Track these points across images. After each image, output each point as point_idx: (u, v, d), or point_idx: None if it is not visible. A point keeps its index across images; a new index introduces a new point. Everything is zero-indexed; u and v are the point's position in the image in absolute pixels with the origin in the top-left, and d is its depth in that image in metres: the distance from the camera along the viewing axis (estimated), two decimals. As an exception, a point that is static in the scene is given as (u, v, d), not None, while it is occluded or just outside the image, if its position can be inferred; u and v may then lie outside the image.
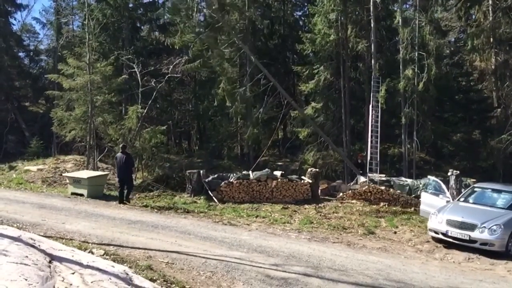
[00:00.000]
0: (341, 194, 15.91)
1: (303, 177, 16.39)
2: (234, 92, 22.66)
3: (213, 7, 18.44)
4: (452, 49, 26.11)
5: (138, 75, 21.05)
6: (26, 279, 5.02)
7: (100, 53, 24.02)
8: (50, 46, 37.69)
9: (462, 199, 11.55)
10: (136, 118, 19.63)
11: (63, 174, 18.03)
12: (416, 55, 20.68)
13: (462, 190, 12.72)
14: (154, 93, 21.06)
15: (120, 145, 15.11)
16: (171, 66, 21.13)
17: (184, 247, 8.82)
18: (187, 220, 11.77)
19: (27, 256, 5.84)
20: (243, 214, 13.01)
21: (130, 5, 26.61)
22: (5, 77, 32.08)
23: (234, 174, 15.96)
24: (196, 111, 29.83)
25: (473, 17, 24.16)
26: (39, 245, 6.71)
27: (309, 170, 16.62)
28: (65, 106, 21.62)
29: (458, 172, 13.52)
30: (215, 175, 16.24)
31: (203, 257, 8.08)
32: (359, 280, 7.45)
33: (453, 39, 28.07)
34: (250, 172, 16.06)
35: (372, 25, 21.85)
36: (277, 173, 16.21)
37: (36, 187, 17.00)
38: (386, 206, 14.42)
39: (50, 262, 6.00)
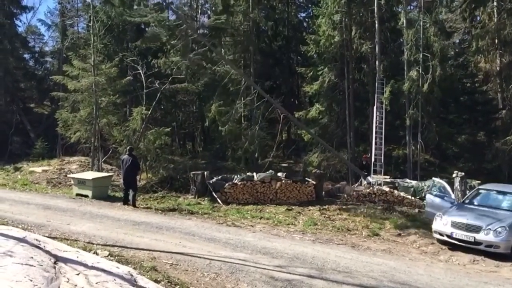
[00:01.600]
0: (345, 195, 15.89)
1: (307, 178, 16.37)
2: (227, 109, 21.48)
3: (199, 33, 17.91)
4: (456, 50, 26.02)
5: (143, 77, 21.11)
6: (31, 280, 5.04)
7: (105, 54, 24.09)
8: (55, 47, 37.91)
9: (467, 201, 11.51)
10: (141, 120, 19.67)
11: (68, 175, 18.09)
12: (421, 56, 20.63)
13: (467, 192, 12.68)
14: (158, 95, 21.09)
15: (127, 148, 15.11)
16: (175, 68, 21.14)
17: (188, 248, 8.84)
18: (191, 222, 11.79)
19: (32, 257, 5.86)
20: (247, 215, 13.00)
21: (135, 7, 26.68)
22: (11, 79, 32.29)
23: (238, 176, 15.97)
24: (200, 113, 29.86)
25: (478, 18, 24.12)
26: (44, 246, 6.73)
27: (313, 171, 16.61)
28: (70, 107, 21.70)
29: (463, 173, 13.46)
30: (219, 177, 16.24)
31: (208, 259, 8.09)
32: (364, 282, 7.43)
33: (457, 41, 27.99)
34: (254, 173, 16.06)
35: (376, 26, 21.84)
36: (281, 174, 16.20)
37: (41, 188, 17.06)
38: (391, 208, 14.37)
39: (55, 263, 6.01)
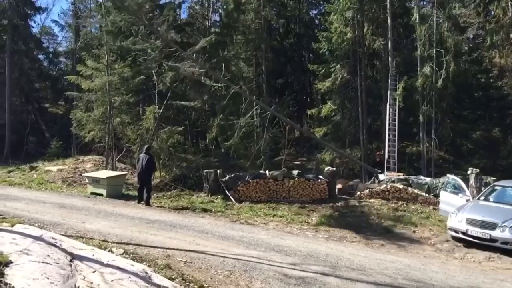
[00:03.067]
0: (358, 193, 15.82)
1: (320, 176, 16.33)
2: (232, 123, 20.17)
3: (193, 56, 17.21)
4: (470, 45, 25.72)
5: (155, 76, 21.18)
6: (48, 278, 5.11)
7: (118, 54, 24.24)
8: (69, 48, 38.28)
9: (482, 197, 11.39)
10: (153, 119, 19.76)
11: (83, 174, 18.25)
12: (434, 52, 20.42)
13: (482, 188, 12.54)
14: (169, 93, 21.13)
15: (145, 146, 15.22)
16: (187, 66, 21.15)
17: (202, 246, 8.88)
18: (204, 220, 11.84)
19: (48, 255, 5.94)
20: (260, 213, 13.02)
21: (147, 7, 26.81)
22: (26, 79, 32.74)
23: (251, 174, 15.98)
24: (212, 111, 29.93)
25: (492, 13, 23.78)
26: (60, 244, 6.82)
27: (326, 169, 16.56)
28: (84, 107, 21.86)
29: (478, 170, 13.33)
30: (232, 175, 16.27)
31: (221, 256, 8.12)
32: (378, 279, 7.40)
33: (471, 36, 27.63)
34: (267, 171, 16.06)
35: (388, 22, 21.69)
36: (294, 172, 16.18)
37: (56, 187, 17.25)
38: (405, 205, 14.28)
39: (71, 261, 6.09)
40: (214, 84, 19.47)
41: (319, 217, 12.64)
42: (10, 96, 30.46)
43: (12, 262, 5.37)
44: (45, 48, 38.15)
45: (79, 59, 26.47)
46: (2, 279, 4.83)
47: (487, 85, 26.34)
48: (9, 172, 21.10)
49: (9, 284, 4.73)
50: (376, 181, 17.26)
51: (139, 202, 13.87)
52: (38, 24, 39.85)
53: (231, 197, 14.73)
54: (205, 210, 13.19)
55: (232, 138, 17.64)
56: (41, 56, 37.37)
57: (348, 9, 22.74)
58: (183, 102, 21.05)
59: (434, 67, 20.29)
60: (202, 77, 18.39)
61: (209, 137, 20.58)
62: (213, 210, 13.28)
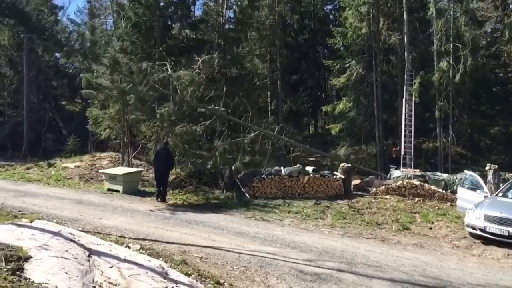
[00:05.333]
0: (374, 189, 15.72)
1: (335, 172, 16.27)
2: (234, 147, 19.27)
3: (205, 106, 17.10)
4: (488, 40, 25.31)
5: (170, 72, 21.21)
6: (66, 273, 5.17)
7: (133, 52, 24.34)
8: (85, 46, 38.58)
9: (500, 194, 11.21)
10: (168, 115, 19.81)
11: (99, 171, 18.42)
12: (451, 46, 20.18)
13: (501, 184, 12.37)
14: (179, 89, 21.14)
15: (163, 142, 15.33)
16: (200, 63, 21.15)
17: (217, 242, 8.92)
18: (220, 216, 11.88)
19: (67, 251, 6.01)
20: (275, 209, 13.03)
21: (161, 4, 26.93)
22: (43, 77, 33.17)
23: (266, 170, 15.98)
24: (226, 108, 29.96)
25: (511, 6, 23.41)
26: (78, 240, 6.89)
27: (341, 165, 16.49)
28: (100, 104, 22.05)
29: (496, 166, 13.14)
30: (247, 171, 16.28)
31: (237, 252, 8.15)
32: (394, 276, 7.35)
33: (489, 30, 27.19)
34: (282, 167, 16.05)
35: (404, 17, 21.47)
36: (309, 168, 16.14)
37: (73, 183, 17.44)
38: (421, 201, 14.15)
39: (89, 256, 6.15)
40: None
41: (335, 213, 12.58)
42: (28, 93, 30.87)
43: (31, 257, 5.44)
44: (61, 46, 38.55)
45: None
46: (22, 274, 4.90)
47: (506, 79, 25.93)
48: (28, 168, 21.38)
49: (29, 278, 4.80)
50: (396, 175, 17.10)
51: (157, 198, 13.92)
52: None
53: (246, 194, 14.76)
54: (220, 206, 13.24)
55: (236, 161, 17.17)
56: (57, 54, 37.80)
57: (363, 4, 22.56)
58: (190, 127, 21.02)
59: (451, 62, 20.05)
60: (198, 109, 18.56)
61: (209, 165, 19.76)
62: (228, 206, 13.32)
